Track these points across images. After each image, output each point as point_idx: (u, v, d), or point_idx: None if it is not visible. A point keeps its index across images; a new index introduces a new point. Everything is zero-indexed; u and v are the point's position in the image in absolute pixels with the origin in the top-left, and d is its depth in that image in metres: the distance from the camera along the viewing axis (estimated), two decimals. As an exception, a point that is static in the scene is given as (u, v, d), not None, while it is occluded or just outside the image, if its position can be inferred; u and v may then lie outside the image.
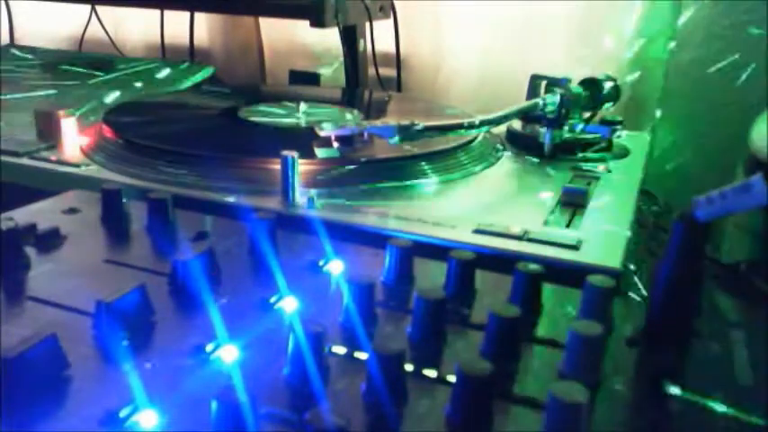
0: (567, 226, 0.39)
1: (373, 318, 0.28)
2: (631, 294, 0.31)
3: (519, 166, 0.51)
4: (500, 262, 0.33)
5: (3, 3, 1.02)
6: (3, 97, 0.63)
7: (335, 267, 0.32)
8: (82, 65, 0.80)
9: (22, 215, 0.36)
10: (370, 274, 0.28)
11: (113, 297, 0.25)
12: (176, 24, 0.90)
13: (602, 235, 0.37)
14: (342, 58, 0.74)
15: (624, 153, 0.55)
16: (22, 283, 0.30)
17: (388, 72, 0.82)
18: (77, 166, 0.46)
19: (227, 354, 0.25)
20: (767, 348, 0.27)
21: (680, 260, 0.26)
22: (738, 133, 0.50)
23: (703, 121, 0.62)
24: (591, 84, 0.55)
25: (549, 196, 0.44)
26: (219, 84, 0.80)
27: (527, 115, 0.53)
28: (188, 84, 0.75)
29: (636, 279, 0.34)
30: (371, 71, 0.80)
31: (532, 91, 0.56)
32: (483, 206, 0.43)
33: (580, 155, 0.52)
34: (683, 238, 0.26)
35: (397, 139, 0.43)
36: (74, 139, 0.51)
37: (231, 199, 0.41)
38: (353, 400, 0.23)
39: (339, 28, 0.68)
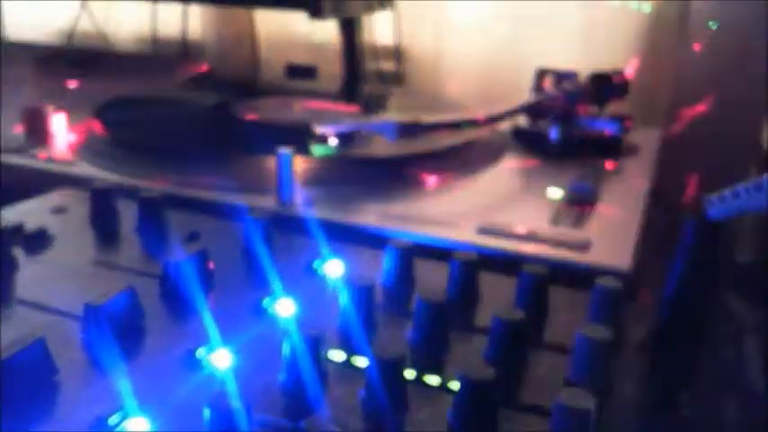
0: (575, 226, 0.39)
1: (372, 322, 0.27)
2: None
3: (524, 164, 0.51)
4: (505, 263, 0.32)
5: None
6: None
7: (333, 269, 0.31)
8: (72, 59, 0.79)
9: (8, 215, 0.35)
10: (369, 276, 0.27)
11: (102, 300, 0.25)
12: (168, 17, 0.89)
13: (611, 235, 0.37)
14: (341, 51, 0.73)
15: (633, 150, 0.54)
16: (9, 285, 0.29)
17: (389, 65, 0.81)
18: (67, 163, 0.45)
19: (221, 359, 0.24)
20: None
21: (692, 261, 0.26)
22: (752, 131, 0.49)
23: (715, 118, 0.61)
24: (599, 78, 0.54)
25: (555, 194, 0.43)
26: (213, 78, 0.79)
27: (533, 111, 0.53)
28: (180, 78, 0.74)
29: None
30: (371, 64, 0.79)
31: (539, 85, 0.55)
32: (487, 205, 0.42)
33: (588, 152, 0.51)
34: (695, 238, 0.26)
35: (396, 136, 0.42)
36: (63, 136, 0.50)
37: (225, 198, 0.40)
38: (352, 407, 0.22)
39: (338, 20, 0.67)
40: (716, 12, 0.59)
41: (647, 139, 0.57)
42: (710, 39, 0.59)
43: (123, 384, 0.22)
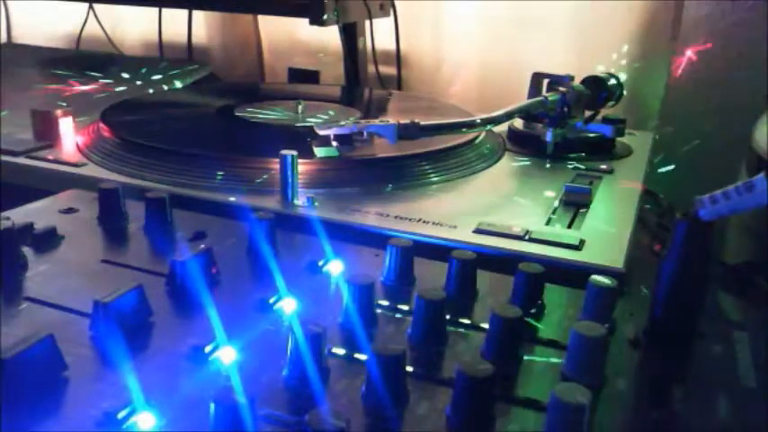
0: (570, 226, 0.39)
1: (373, 318, 0.28)
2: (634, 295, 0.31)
3: (520, 165, 0.51)
4: (501, 262, 0.33)
5: (0, 1, 1.02)
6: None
7: (335, 268, 0.32)
8: (79, 63, 0.80)
9: (19, 215, 0.36)
10: (370, 274, 0.28)
11: (111, 298, 0.25)
12: (174, 22, 0.90)
13: (605, 235, 0.37)
14: (342, 56, 0.74)
15: (627, 152, 0.55)
16: (20, 283, 0.30)
17: (389, 70, 0.81)
18: (75, 165, 0.46)
19: (226, 355, 0.25)
20: (771, 349, 0.27)
21: (683, 260, 0.26)
22: (742, 132, 0.50)
23: (706, 120, 0.62)
24: (593, 82, 0.55)
25: (550, 196, 0.44)
26: (218, 82, 0.80)
27: (529, 114, 0.53)
28: (186, 82, 0.75)
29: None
30: (371, 69, 0.79)
31: (534, 89, 0.56)
32: (484, 206, 0.42)
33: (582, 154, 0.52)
34: (686, 238, 0.26)
35: (396, 138, 0.43)
36: (71, 138, 0.51)
37: (230, 198, 0.41)
38: (353, 401, 0.22)
39: (339, 26, 0.67)
40: (708, 14, 0.60)
41: (639, 141, 0.58)
42: (702, 41, 0.60)
43: (131, 380, 0.22)
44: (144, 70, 0.77)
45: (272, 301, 0.28)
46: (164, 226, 0.36)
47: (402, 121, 0.44)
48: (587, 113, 0.54)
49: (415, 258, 0.31)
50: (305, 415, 0.20)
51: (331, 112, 0.60)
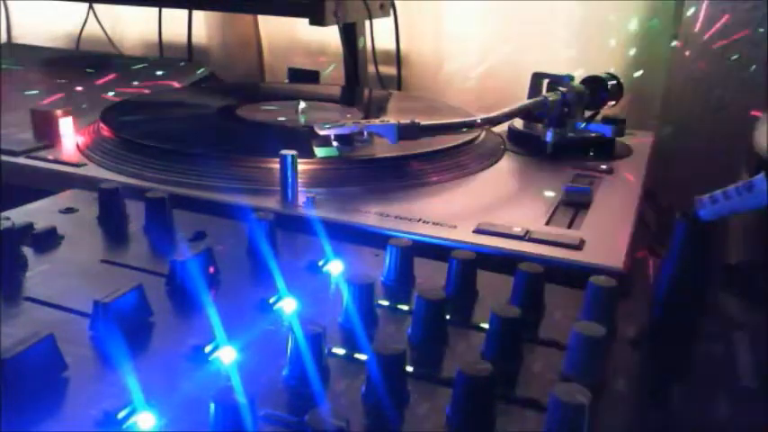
0: (570, 226, 0.39)
1: (373, 318, 0.28)
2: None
3: (520, 165, 0.51)
4: (501, 262, 0.33)
5: (0, 2, 1.02)
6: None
7: (335, 267, 0.32)
8: (79, 63, 0.80)
9: (18, 215, 0.36)
10: (370, 274, 0.28)
11: (111, 298, 0.25)
12: (174, 22, 0.90)
13: (605, 235, 0.37)
14: (342, 56, 0.74)
15: (627, 152, 0.55)
16: (20, 283, 0.30)
17: (389, 70, 0.81)
18: (75, 165, 0.46)
19: (226, 355, 0.25)
20: (771, 349, 0.27)
21: (683, 260, 0.26)
22: (742, 132, 0.50)
23: (706, 120, 0.62)
24: (593, 82, 0.55)
25: (551, 196, 0.44)
26: (218, 82, 0.80)
27: (529, 114, 0.53)
28: (186, 82, 0.75)
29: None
30: (371, 69, 0.80)
31: (534, 89, 0.56)
32: (484, 206, 0.42)
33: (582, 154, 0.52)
34: (686, 238, 0.26)
35: (397, 138, 0.43)
36: (71, 137, 0.51)
37: (230, 198, 0.41)
38: (353, 401, 0.23)
39: (339, 26, 0.67)
40: (708, 14, 0.60)
41: (640, 141, 0.58)
42: (702, 41, 0.60)
43: (131, 380, 0.22)
44: (144, 70, 0.77)
45: (272, 301, 0.28)
46: (164, 226, 0.36)
47: (402, 121, 0.44)
48: (587, 113, 0.54)
49: (415, 258, 0.31)
50: (305, 415, 0.20)
51: (331, 113, 0.60)
